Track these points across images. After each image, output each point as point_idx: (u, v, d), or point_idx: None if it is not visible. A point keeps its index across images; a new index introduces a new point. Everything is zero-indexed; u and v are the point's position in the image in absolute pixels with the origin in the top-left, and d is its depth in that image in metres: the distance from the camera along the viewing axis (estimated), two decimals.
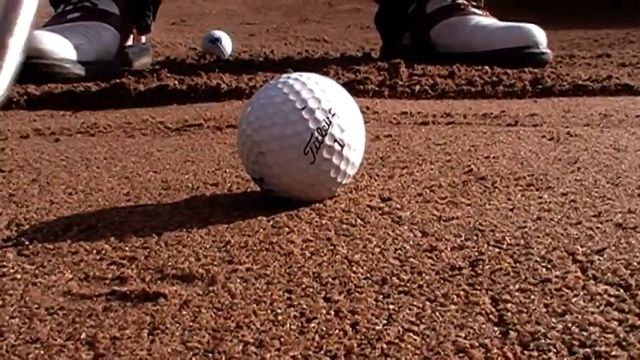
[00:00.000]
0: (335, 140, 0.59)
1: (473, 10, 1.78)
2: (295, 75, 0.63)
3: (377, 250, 0.52)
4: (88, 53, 1.50)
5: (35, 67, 1.40)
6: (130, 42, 1.77)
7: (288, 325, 0.41)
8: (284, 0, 4.17)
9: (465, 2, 1.80)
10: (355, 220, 0.59)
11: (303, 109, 0.59)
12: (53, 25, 1.55)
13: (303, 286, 0.46)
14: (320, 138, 0.58)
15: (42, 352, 0.39)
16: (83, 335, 0.40)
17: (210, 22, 3.36)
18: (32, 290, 0.46)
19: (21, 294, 0.46)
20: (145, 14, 1.77)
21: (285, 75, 0.63)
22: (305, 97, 0.60)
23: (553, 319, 0.41)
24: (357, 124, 0.62)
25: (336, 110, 0.60)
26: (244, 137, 0.62)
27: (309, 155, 0.59)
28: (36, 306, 0.44)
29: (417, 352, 0.38)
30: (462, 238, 0.54)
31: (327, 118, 0.59)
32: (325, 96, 0.60)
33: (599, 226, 0.56)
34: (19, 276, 0.49)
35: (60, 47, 1.45)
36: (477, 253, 0.51)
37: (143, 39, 1.86)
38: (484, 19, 1.75)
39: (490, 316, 0.42)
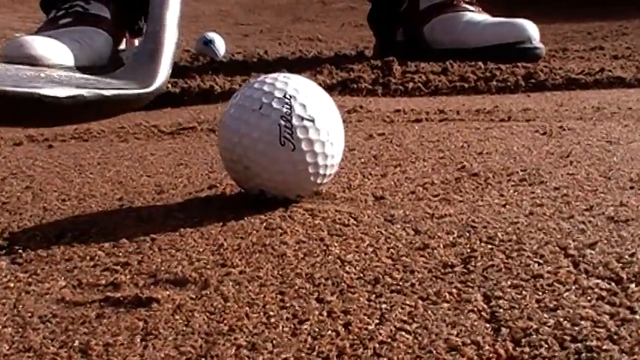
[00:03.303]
0: (303, 118, 0.60)
1: (465, 6, 1.78)
2: (245, 85, 0.64)
3: (369, 249, 0.52)
4: (80, 58, 1.50)
5: None
6: (122, 46, 1.77)
7: (281, 327, 0.41)
8: (277, 0, 4.17)
9: None
10: (348, 220, 0.59)
11: (259, 108, 0.60)
12: (45, 31, 1.55)
13: (296, 287, 0.46)
14: (288, 124, 0.59)
15: None
16: (76, 343, 0.40)
17: (203, 23, 3.36)
18: (25, 298, 0.46)
19: (14, 302, 0.46)
20: (137, 17, 1.77)
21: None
22: (257, 97, 0.61)
23: (545, 315, 0.41)
24: (318, 96, 0.63)
25: (292, 92, 0.61)
26: (226, 163, 0.64)
27: (287, 144, 0.59)
28: (29, 314, 0.44)
29: (410, 351, 0.38)
30: (455, 235, 0.54)
31: (286, 103, 0.60)
32: (276, 86, 0.61)
33: (591, 219, 0.56)
34: (12, 284, 0.49)
35: (52, 53, 1.44)
36: (469, 250, 0.51)
37: (136, 42, 1.86)
38: (477, 16, 1.75)
39: (482, 313, 0.42)
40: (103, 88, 0.64)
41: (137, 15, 1.76)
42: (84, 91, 0.61)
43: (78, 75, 0.69)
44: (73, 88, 0.61)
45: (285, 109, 0.59)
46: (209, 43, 2.04)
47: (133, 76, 0.71)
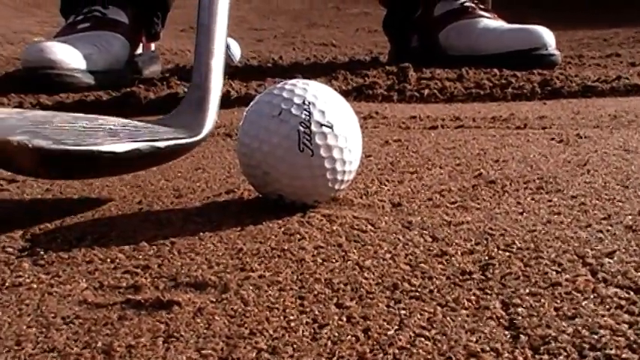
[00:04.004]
0: (321, 125, 0.60)
1: (481, 12, 1.78)
2: (263, 90, 0.65)
3: (388, 255, 0.53)
4: (98, 63, 1.52)
5: (47, 78, 1.41)
6: (139, 50, 1.78)
7: (301, 331, 0.42)
8: (292, 5, 4.18)
9: (473, 5, 1.80)
10: (366, 226, 0.59)
11: (279, 114, 0.60)
12: (64, 36, 1.57)
13: (315, 292, 0.47)
14: (307, 130, 0.60)
15: None
16: (99, 344, 0.41)
17: None
18: (48, 300, 0.47)
19: (37, 303, 0.47)
20: (153, 22, 1.78)
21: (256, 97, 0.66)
22: (276, 103, 0.61)
23: (563, 323, 0.41)
24: (337, 102, 0.63)
25: (311, 99, 0.61)
26: (245, 168, 0.64)
27: (306, 150, 0.60)
28: (52, 315, 0.45)
29: (429, 356, 0.38)
30: (472, 242, 0.55)
31: (305, 109, 0.60)
32: (295, 92, 0.62)
33: (609, 228, 0.56)
34: (35, 285, 0.49)
35: (71, 57, 1.46)
36: (487, 258, 0.51)
37: (152, 47, 1.87)
38: (492, 22, 1.75)
39: (501, 320, 0.42)
40: (156, 140, 0.66)
41: (154, 20, 1.77)
42: (140, 145, 0.63)
43: (132, 124, 0.71)
44: (129, 142, 0.63)
45: (304, 116, 0.60)
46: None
47: (182, 124, 0.73)
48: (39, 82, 1.41)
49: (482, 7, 1.81)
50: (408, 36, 1.90)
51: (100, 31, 1.59)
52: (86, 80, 1.47)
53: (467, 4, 1.80)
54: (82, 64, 1.47)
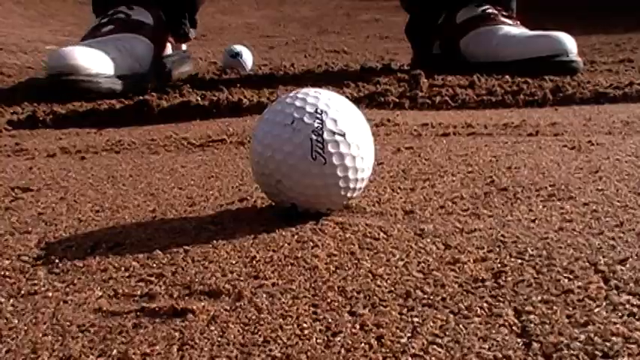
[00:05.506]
0: (334, 133, 0.60)
1: (503, 20, 1.77)
2: (277, 99, 0.66)
3: (400, 263, 0.53)
4: (121, 66, 1.51)
5: (69, 84, 1.41)
6: (169, 51, 1.77)
7: (314, 339, 0.42)
8: (303, 12, 4.20)
9: (495, 12, 1.79)
10: (378, 234, 0.59)
11: (291, 122, 0.61)
12: (87, 40, 1.56)
13: (329, 300, 0.47)
14: (319, 138, 0.60)
15: None
16: (114, 352, 0.41)
17: (229, 36, 3.39)
18: (64, 308, 0.48)
19: (53, 312, 0.47)
20: (181, 22, 1.76)
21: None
22: (289, 111, 0.62)
23: (576, 330, 0.41)
24: (349, 110, 0.63)
25: (323, 107, 0.61)
26: (258, 177, 0.65)
27: (319, 158, 0.60)
28: (68, 323, 0.45)
29: None
30: (485, 250, 0.55)
31: (317, 118, 0.61)
32: (308, 101, 0.62)
33: (622, 235, 0.56)
34: (50, 294, 0.50)
35: (93, 62, 1.45)
36: (499, 265, 0.52)
37: (184, 47, 1.87)
38: (513, 29, 1.74)
39: (513, 327, 0.42)
40: None
41: (181, 20, 1.76)
42: None
43: None
44: None
45: (316, 124, 0.60)
46: (236, 55, 2.06)
47: None
48: (63, 89, 1.41)
49: (505, 13, 1.80)
50: (429, 42, 1.90)
51: (123, 34, 1.58)
52: (109, 85, 1.46)
53: (489, 10, 1.79)
54: (104, 69, 1.46)
